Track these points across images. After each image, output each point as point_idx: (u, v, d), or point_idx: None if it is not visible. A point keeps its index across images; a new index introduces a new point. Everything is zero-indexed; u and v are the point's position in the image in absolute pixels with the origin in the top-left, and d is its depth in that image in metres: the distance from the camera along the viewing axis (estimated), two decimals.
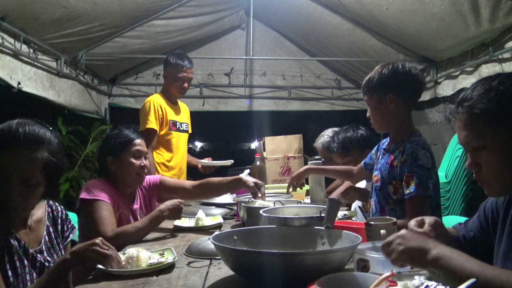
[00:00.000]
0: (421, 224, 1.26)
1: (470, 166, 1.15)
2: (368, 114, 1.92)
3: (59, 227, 1.56)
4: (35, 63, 3.13)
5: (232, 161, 3.34)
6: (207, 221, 2.06)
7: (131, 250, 1.39)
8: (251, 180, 2.10)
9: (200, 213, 2.10)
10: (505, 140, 1.06)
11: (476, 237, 1.32)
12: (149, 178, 2.18)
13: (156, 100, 3.02)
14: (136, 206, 2.09)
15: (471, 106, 1.09)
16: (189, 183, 2.27)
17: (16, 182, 1.28)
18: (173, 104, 3.17)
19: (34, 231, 1.46)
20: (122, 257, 1.37)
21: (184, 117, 3.25)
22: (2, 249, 1.30)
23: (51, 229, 1.53)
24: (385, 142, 1.97)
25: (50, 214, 1.54)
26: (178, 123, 3.14)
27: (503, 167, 1.08)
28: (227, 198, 2.65)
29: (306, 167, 2.36)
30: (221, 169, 3.47)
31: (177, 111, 3.19)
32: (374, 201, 1.90)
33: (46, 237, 1.49)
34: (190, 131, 3.36)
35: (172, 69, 3.07)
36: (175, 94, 3.13)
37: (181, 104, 3.31)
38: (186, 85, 3.10)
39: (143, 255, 1.38)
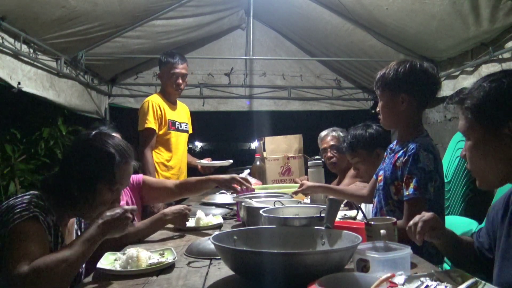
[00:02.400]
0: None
1: (462, 155, 1.24)
2: (378, 109, 1.88)
3: (83, 230, 1.59)
4: (35, 63, 3.12)
5: (231, 161, 3.34)
6: (207, 221, 2.06)
7: (131, 250, 1.39)
8: (224, 176, 2.20)
9: (200, 213, 2.10)
10: (486, 135, 1.14)
11: (484, 243, 1.33)
12: (132, 177, 2.21)
13: (154, 100, 3.03)
14: (122, 202, 2.10)
15: (463, 99, 1.19)
16: (172, 182, 2.30)
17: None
18: (172, 104, 3.18)
19: (70, 233, 1.51)
20: (123, 257, 1.38)
21: (183, 117, 3.26)
22: (54, 244, 1.34)
23: (79, 233, 1.56)
24: (394, 142, 1.94)
25: (76, 219, 1.56)
26: (177, 123, 3.15)
27: (485, 161, 1.16)
28: (227, 198, 2.65)
29: (325, 186, 2.27)
30: (220, 169, 3.47)
31: (176, 111, 3.19)
32: (376, 201, 1.89)
33: None
34: (190, 131, 3.36)
35: (164, 68, 3.11)
36: (172, 92, 3.14)
37: (181, 104, 3.31)
38: (180, 81, 3.10)
39: (143, 255, 1.38)
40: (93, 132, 1.46)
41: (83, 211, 1.42)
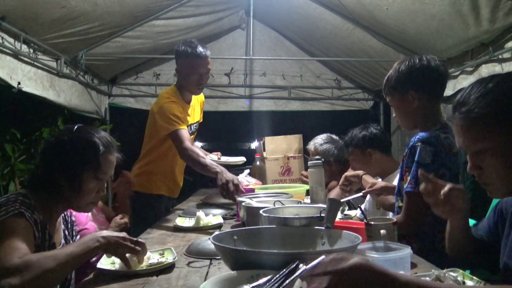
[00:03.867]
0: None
1: (471, 169, 1.13)
2: (394, 115, 1.87)
3: (70, 231, 1.60)
4: (35, 63, 3.12)
5: (245, 159, 3.06)
6: (207, 221, 2.06)
7: None
8: None
9: (200, 213, 2.10)
10: (506, 141, 1.04)
11: (484, 237, 1.33)
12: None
13: (174, 99, 2.62)
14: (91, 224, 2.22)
15: (468, 110, 1.07)
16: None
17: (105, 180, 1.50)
18: (187, 103, 2.76)
19: (58, 232, 1.50)
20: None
21: (195, 115, 2.89)
22: (42, 241, 1.34)
23: (66, 232, 1.56)
24: None
25: (63, 217, 1.56)
26: None
27: (507, 168, 1.06)
28: None
29: (382, 184, 2.11)
30: (226, 166, 3.34)
31: (188, 112, 2.80)
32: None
33: (63, 240, 1.52)
34: (200, 120, 3.01)
35: (184, 62, 2.57)
36: (192, 90, 2.69)
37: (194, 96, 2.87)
38: (204, 79, 2.63)
39: None
40: (76, 126, 1.48)
41: (71, 202, 1.43)
